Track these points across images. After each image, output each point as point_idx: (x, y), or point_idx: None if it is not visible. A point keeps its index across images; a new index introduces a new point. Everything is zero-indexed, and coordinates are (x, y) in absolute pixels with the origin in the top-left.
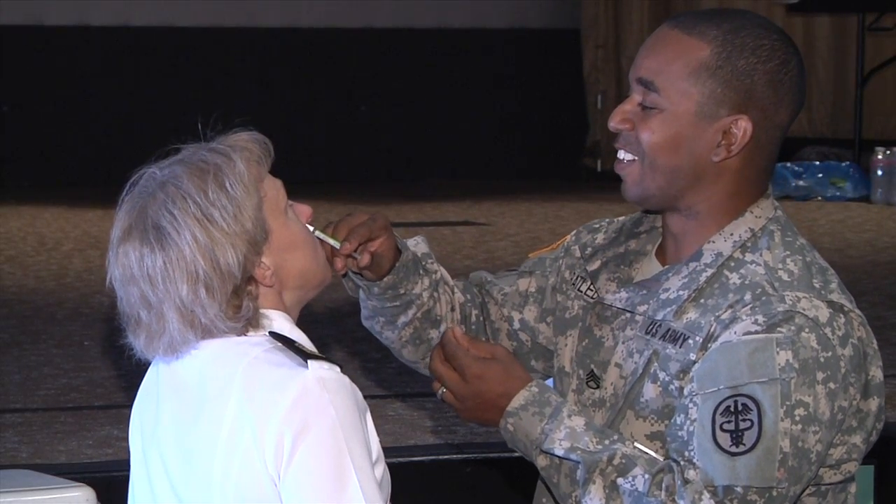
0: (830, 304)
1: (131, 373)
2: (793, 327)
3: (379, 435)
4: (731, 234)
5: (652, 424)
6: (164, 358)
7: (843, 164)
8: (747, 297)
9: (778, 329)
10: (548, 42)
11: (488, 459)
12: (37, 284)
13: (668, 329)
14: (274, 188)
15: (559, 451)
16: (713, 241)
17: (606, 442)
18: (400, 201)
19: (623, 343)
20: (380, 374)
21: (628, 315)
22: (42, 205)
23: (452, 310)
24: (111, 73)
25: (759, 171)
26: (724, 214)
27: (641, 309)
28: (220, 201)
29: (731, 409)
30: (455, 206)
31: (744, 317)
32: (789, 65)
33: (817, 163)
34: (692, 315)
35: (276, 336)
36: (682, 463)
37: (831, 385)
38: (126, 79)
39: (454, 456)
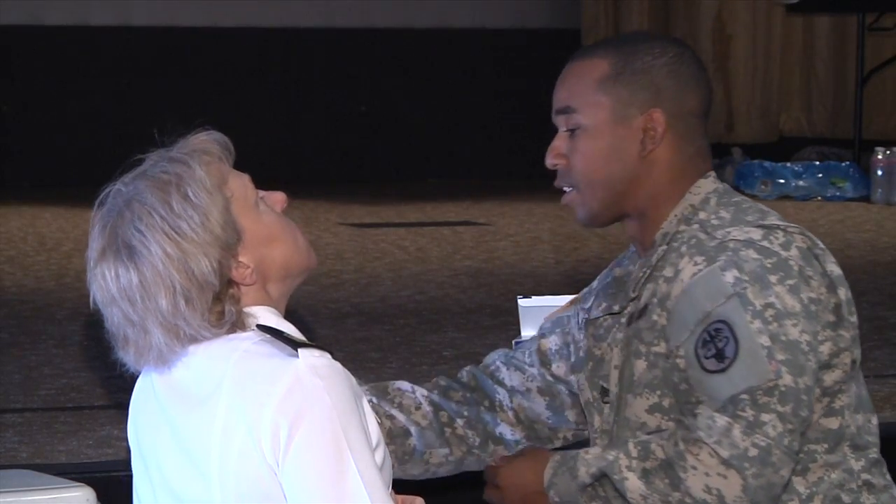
0: (763, 227)
1: (131, 373)
2: (729, 252)
3: None
4: (675, 215)
5: (647, 398)
6: (155, 369)
7: (843, 164)
8: (682, 248)
9: (716, 259)
10: (548, 42)
11: None
12: (37, 284)
13: (637, 309)
14: (241, 185)
15: (588, 479)
16: (662, 227)
17: (615, 449)
18: (400, 201)
19: (616, 346)
20: (380, 374)
21: (612, 318)
22: (42, 205)
23: (418, 409)
24: (111, 73)
25: (689, 157)
26: (668, 203)
27: (616, 308)
28: (186, 212)
29: (707, 338)
30: (455, 206)
31: (684, 265)
32: (684, 56)
33: (817, 163)
34: (649, 287)
35: (264, 328)
36: (686, 413)
37: (789, 282)
38: (126, 79)
39: None
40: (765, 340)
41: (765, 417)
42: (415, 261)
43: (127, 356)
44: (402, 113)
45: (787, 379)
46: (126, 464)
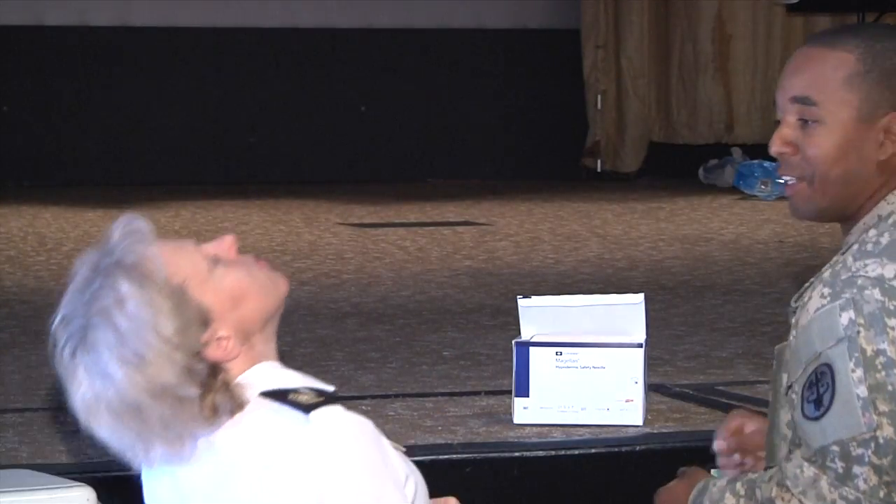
0: None
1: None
2: (854, 289)
3: None
4: (864, 223)
5: (787, 413)
6: (169, 464)
7: None
8: (825, 274)
9: (840, 296)
10: (548, 42)
11: (488, 459)
12: (37, 284)
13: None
14: (188, 262)
15: None
16: (851, 234)
17: (732, 482)
18: (400, 201)
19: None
20: (380, 374)
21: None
22: (42, 205)
23: None
24: (111, 73)
25: None
26: (875, 205)
27: (792, 304)
28: (137, 332)
29: (813, 381)
30: (455, 206)
31: (814, 295)
32: None
33: None
34: (806, 295)
35: (268, 395)
36: (787, 454)
37: None
38: (126, 79)
39: (454, 456)
40: (862, 391)
41: (857, 470)
42: (415, 261)
43: (135, 461)
44: (402, 113)
45: (887, 430)
46: (126, 463)
